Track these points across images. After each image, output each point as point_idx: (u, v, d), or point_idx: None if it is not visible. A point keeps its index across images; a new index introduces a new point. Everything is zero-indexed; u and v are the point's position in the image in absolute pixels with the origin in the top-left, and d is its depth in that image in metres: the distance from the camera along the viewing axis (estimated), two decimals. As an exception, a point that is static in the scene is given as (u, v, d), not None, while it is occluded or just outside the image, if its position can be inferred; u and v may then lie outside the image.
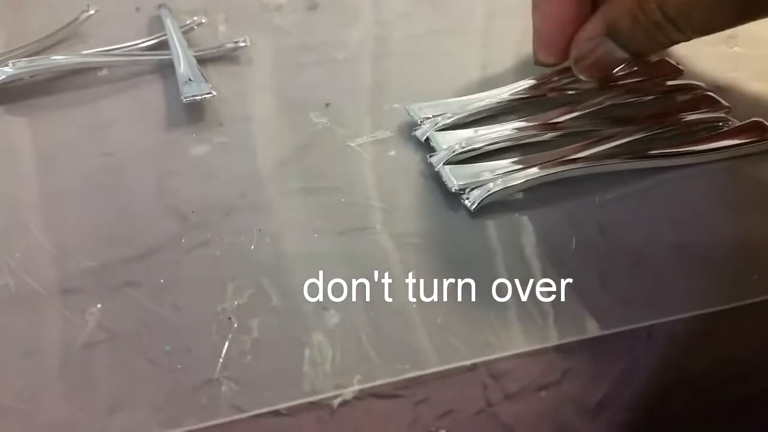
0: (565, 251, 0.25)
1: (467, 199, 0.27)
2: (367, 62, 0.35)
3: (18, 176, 0.29)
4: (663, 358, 0.23)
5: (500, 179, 0.27)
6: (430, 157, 0.28)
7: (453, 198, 0.27)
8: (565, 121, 0.30)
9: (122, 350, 0.22)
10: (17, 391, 0.21)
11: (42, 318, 0.23)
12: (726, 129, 0.30)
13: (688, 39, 0.28)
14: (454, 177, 0.27)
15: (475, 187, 0.27)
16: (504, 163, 0.28)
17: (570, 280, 0.24)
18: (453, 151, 0.28)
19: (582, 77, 0.30)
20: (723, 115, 0.31)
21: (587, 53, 0.29)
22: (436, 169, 0.28)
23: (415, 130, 0.30)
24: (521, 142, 0.29)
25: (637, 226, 0.26)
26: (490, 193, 0.26)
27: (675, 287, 0.24)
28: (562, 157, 0.28)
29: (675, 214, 0.27)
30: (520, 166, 0.28)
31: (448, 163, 0.28)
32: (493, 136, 0.29)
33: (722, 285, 0.24)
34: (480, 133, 0.29)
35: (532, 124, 0.30)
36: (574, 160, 0.28)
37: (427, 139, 0.30)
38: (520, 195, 0.27)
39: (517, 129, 0.30)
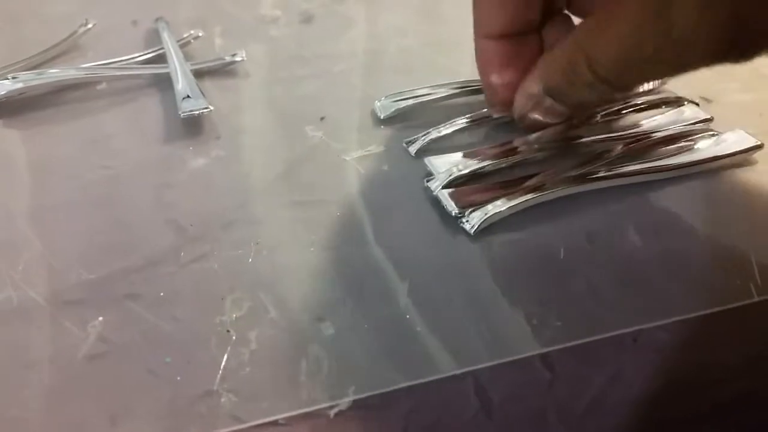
0: (552, 260, 0.26)
1: (467, 222, 0.27)
2: (362, 75, 0.36)
3: (19, 190, 0.29)
4: (648, 364, 0.24)
5: (498, 201, 0.27)
6: (427, 181, 0.29)
7: (445, 210, 0.28)
8: (556, 138, 0.31)
9: (123, 362, 0.23)
10: (21, 401, 0.22)
11: (44, 330, 0.24)
12: (708, 140, 0.31)
13: (624, 93, 0.30)
14: (453, 201, 0.28)
15: (474, 210, 0.27)
16: (500, 184, 0.28)
17: (558, 289, 0.25)
18: (450, 175, 0.28)
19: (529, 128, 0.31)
20: (704, 126, 0.31)
21: (528, 111, 0.29)
22: (435, 194, 0.28)
23: (409, 144, 0.31)
24: (514, 162, 0.30)
25: (624, 235, 0.27)
26: (488, 215, 0.27)
27: (660, 293, 0.25)
28: (555, 176, 0.29)
29: (660, 222, 0.28)
30: (516, 187, 0.28)
31: (445, 186, 0.28)
32: (487, 157, 0.30)
33: (706, 291, 0.25)
34: (473, 155, 0.30)
35: (523, 141, 0.31)
36: (567, 179, 0.28)
37: (419, 152, 0.30)
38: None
39: (509, 149, 0.30)
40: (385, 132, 0.32)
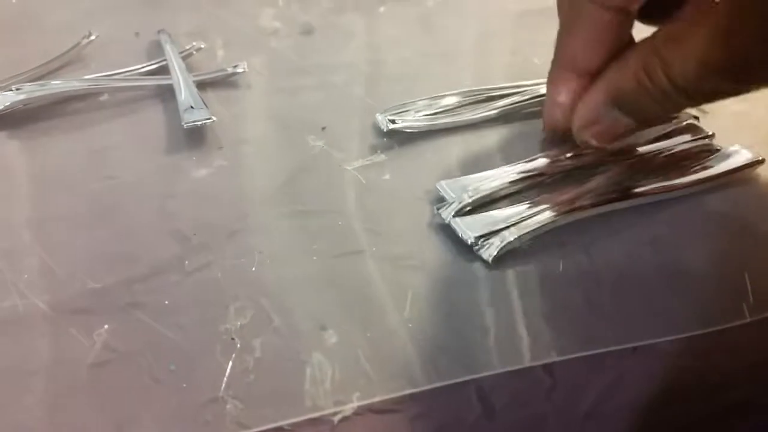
0: (551, 272, 0.26)
1: (484, 248, 0.27)
2: (362, 86, 0.36)
3: (23, 200, 0.30)
4: (647, 371, 0.24)
5: (513, 227, 0.27)
6: (438, 209, 0.28)
7: (445, 221, 0.28)
8: (563, 159, 0.31)
9: (129, 370, 0.23)
10: (27, 409, 0.22)
11: (50, 338, 0.24)
12: (712, 157, 0.31)
13: (698, 105, 0.28)
14: (468, 229, 0.27)
15: (489, 238, 0.27)
16: (512, 211, 0.28)
17: (557, 301, 0.25)
18: (461, 202, 0.28)
19: (586, 146, 0.29)
20: (707, 142, 0.31)
21: (591, 123, 0.28)
22: (447, 222, 0.28)
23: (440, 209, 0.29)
24: (523, 186, 0.30)
25: (622, 249, 0.27)
26: (504, 243, 0.26)
27: (658, 308, 0.25)
28: (564, 199, 0.28)
29: (658, 236, 0.28)
30: (529, 212, 0.28)
31: (457, 214, 0.28)
32: (497, 183, 0.29)
33: (700, 310, 0.25)
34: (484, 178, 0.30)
35: (531, 166, 0.30)
36: (576, 201, 0.28)
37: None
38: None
39: (517, 173, 0.30)
40: (385, 141, 0.32)
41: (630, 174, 0.30)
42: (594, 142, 0.28)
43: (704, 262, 0.27)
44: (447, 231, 0.28)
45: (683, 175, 0.30)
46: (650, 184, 0.29)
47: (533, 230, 0.27)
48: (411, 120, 0.33)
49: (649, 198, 0.29)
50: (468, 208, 0.28)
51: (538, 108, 0.33)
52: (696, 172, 0.30)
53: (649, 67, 0.24)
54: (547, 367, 0.24)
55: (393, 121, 0.33)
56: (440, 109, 0.34)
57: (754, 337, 0.25)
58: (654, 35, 0.25)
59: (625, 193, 0.29)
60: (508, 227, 0.27)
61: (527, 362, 0.23)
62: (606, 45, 0.26)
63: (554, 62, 0.28)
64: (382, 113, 0.33)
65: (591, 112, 0.27)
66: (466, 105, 0.34)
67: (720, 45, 0.22)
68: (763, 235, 0.28)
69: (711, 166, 0.30)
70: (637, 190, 0.29)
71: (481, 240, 0.27)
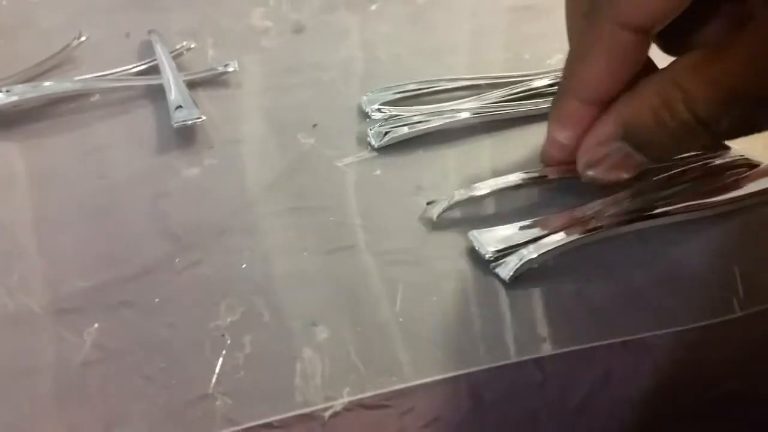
0: (542, 267, 0.26)
1: (501, 266, 0.26)
2: (354, 83, 0.36)
3: (13, 200, 0.30)
4: (638, 364, 0.24)
5: (531, 245, 0.26)
6: (428, 204, 0.28)
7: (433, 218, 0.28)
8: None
9: (119, 368, 0.23)
10: (17, 409, 0.22)
11: (40, 337, 0.24)
12: (748, 173, 0.29)
13: (720, 141, 0.26)
14: (485, 243, 0.26)
15: (506, 255, 0.26)
16: (526, 225, 0.27)
17: (547, 296, 0.25)
18: (450, 200, 0.27)
19: (593, 182, 0.27)
20: (739, 156, 0.30)
21: (600, 160, 0.25)
22: (435, 219, 0.27)
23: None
24: (524, 187, 0.28)
25: (611, 243, 0.27)
26: (522, 262, 0.25)
27: (648, 303, 0.25)
28: (584, 215, 0.27)
29: (647, 233, 0.28)
30: (548, 229, 0.27)
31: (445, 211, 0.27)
32: (495, 182, 0.28)
33: (692, 304, 0.25)
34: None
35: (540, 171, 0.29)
36: (597, 220, 0.27)
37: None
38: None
39: (524, 178, 0.28)
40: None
41: (655, 190, 0.28)
42: (601, 179, 0.26)
43: (696, 256, 0.27)
44: (438, 226, 0.28)
45: (721, 192, 0.28)
46: (684, 200, 0.28)
47: (552, 249, 0.26)
48: (398, 112, 0.33)
49: (679, 217, 0.27)
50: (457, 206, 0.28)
51: (528, 103, 0.33)
52: (729, 189, 0.28)
53: (668, 100, 0.23)
54: (538, 362, 0.24)
55: (380, 110, 0.33)
56: (428, 92, 0.34)
57: (745, 331, 0.25)
58: (672, 65, 0.23)
59: (652, 213, 0.27)
60: (526, 245, 0.26)
61: (517, 357, 0.23)
62: (623, 70, 0.24)
63: (564, 91, 0.26)
64: (366, 95, 0.33)
65: (600, 146, 0.25)
66: (452, 90, 0.34)
67: (754, 71, 0.21)
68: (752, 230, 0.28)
69: (744, 184, 0.28)
70: (667, 209, 0.27)
71: (499, 256, 0.26)
